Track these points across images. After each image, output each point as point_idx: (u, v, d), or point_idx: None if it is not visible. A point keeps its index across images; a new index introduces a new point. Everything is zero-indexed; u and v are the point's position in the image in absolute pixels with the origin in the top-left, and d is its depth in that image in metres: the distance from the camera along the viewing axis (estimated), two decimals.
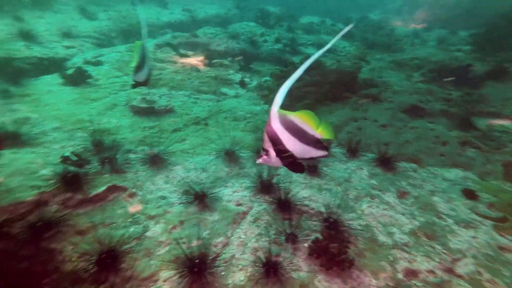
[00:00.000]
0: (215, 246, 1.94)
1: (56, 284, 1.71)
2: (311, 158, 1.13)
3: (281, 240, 1.91)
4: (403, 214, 2.09)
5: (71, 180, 2.29)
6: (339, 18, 9.26)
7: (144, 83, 1.95)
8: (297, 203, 2.21)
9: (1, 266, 1.79)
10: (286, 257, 1.77)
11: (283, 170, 2.72)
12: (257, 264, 1.75)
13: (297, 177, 2.55)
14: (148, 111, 3.81)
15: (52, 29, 5.43)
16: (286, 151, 1.09)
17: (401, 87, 4.02)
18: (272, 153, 1.12)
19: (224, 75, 5.27)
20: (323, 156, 1.14)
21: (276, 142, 1.08)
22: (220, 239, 2.01)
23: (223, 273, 1.75)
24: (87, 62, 4.69)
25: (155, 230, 2.09)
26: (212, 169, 2.82)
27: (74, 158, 2.58)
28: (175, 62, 5.44)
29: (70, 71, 4.10)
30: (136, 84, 1.95)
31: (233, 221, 2.18)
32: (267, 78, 5.20)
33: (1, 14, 5.14)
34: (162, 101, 4.07)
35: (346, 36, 7.37)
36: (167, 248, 1.94)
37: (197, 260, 1.74)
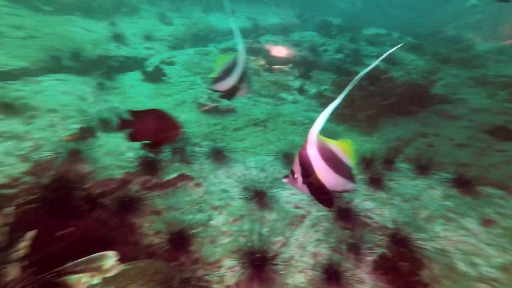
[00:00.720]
0: (274, 244, 1.99)
1: (135, 255, 1.94)
2: (343, 191, 1.02)
3: (342, 249, 1.88)
4: (489, 244, 1.88)
5: (149, 165, 2.58)
6: (408, 31, 8.72)
7: (227, 95, 1.76)
8: (359, 214, 2.15)
9: (95, 230, 2.10)
10: (348, 268, 1.73)
11: None
12: (317, 269, 1.75)
13: (359, 187, 2.48)
14: (213, 109, 4.09)
15: (137, 32, 6.17)
16: (315, 180, 0.98)
17: (482, 105, 3.63)
18: (299, 178, 1.03)
19: (284, 81, 5.38)
20: (352, 190, 1.04)
21: (306, 169, 0.99)
22: (279, 238, 2.06)
23: (282, 271, 1.79)
24: (163, 62, 5.20)
25: (218, 220, 2.23)
26: (270, 169, 2.90)
27: (151, 145, 2.90)
28: None
29: (150, 69, 4.60)
30: (224, 95, 1.79)
31: (291, 222, 2.21)
32: (327, 86, 5.15)
33: (101, 20, 6.04)
34: (225, 101, 4.32)
35: (415, 49, 6.92)
36: (229, 238, 2.06)
37: (258, 255, 1.81)
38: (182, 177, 2.65)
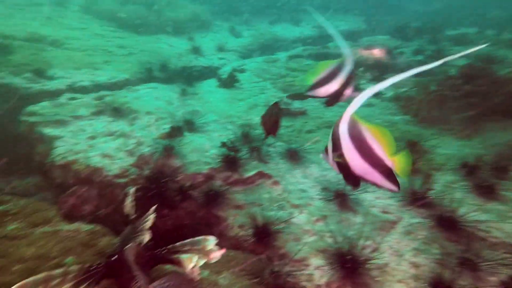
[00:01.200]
0: (364, 248, 1.84)
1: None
2: (374, 184, 0.96)
3: (451, 263, 1.63)
4: None
5: (230, 162, 2.71)
6: (507, 28, 7.43)
7: (331, 100, 1.57)
8: (468, 225, 1.85)
9: (185, 219, 2.27)
10: (465, 286, 1.48)
11: (438, 186, 2.36)
12: (421, 281, 1.54)
13: (462, 196, 2.15)
14: (284, 112, 4.13)
15: (211, 45, 6.72)
16: (341, 157, 0.98)
17: None
18: (330, 154, 1.04)
19: (356, 84, 5.15)
20: (390, 190, 0.95)
21: (335, 145, 0.98)
22: (368, 242, 1.90)
23: (378, 278, 1.63)
24: (235, 70, 5.50)
25: (300, 218, 2.18)
26: None
27: (230, 144, 3.05)
28: (306, 71, 5.72)
29: (224, 76, 4.92)
30: (328, 101, 1.60)
31: (380, 227, 2.03)
32: (406, 88, 4.72)
33: (181, 37, 6.84)
34: (296, 104, 4.33)
35: None
36: (313, 237, 1.99)
37: (348, 257, 1.70)
38: (260, 175, 2.70)
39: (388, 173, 0.93)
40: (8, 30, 5.04)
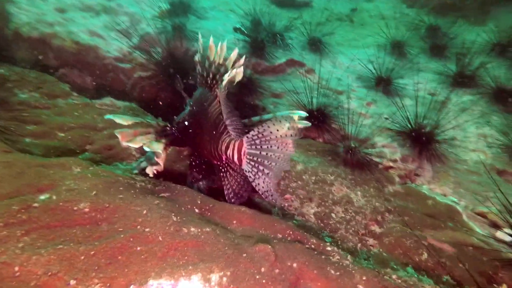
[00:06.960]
0: (426, 126, 1.80)
1: None
2: None
3: None
4: None
5: (257, 48, 2.28)
6: None
7: None
8: None
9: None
10: None
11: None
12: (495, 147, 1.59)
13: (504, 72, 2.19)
14: (287, 3, 3.56)
15: None
16: None
17: None
18: None
19: None
20: None
21: None
22: (427, 121, 1.87)
23: (451, 149, 1.65)
24: None
25: (351, 103, 2.03)
26: (379, 60, 2.57)
27: (244, 30, 2.55)
28: None
29: None
30: None
31: (433, 107, 2.00)
32: None
33: None
34: None
35: None
36: (371, 120, 1.89)
37: (415, 133, 1.65)
38: (291, 63, 2.37)
39: None
40: None
